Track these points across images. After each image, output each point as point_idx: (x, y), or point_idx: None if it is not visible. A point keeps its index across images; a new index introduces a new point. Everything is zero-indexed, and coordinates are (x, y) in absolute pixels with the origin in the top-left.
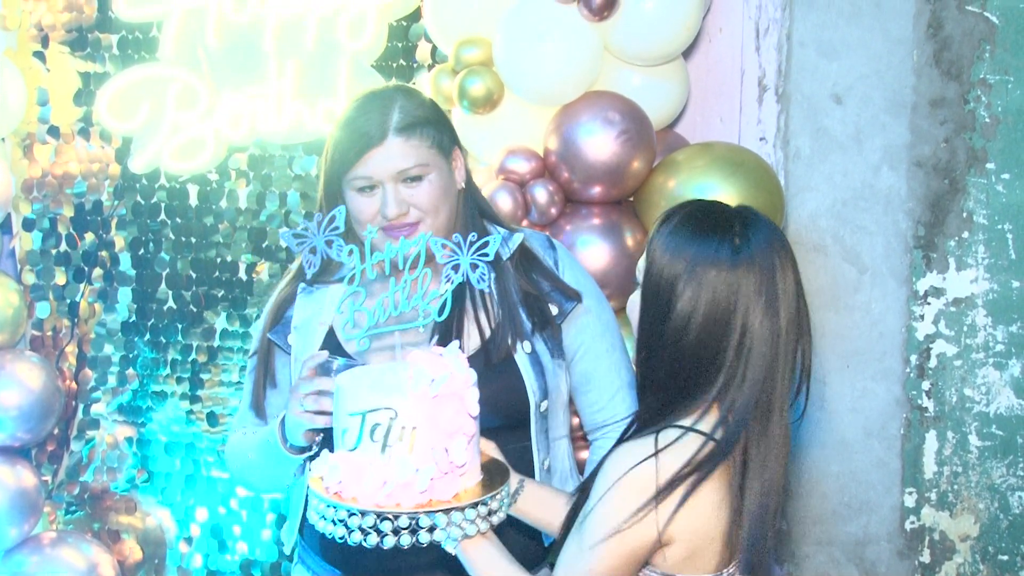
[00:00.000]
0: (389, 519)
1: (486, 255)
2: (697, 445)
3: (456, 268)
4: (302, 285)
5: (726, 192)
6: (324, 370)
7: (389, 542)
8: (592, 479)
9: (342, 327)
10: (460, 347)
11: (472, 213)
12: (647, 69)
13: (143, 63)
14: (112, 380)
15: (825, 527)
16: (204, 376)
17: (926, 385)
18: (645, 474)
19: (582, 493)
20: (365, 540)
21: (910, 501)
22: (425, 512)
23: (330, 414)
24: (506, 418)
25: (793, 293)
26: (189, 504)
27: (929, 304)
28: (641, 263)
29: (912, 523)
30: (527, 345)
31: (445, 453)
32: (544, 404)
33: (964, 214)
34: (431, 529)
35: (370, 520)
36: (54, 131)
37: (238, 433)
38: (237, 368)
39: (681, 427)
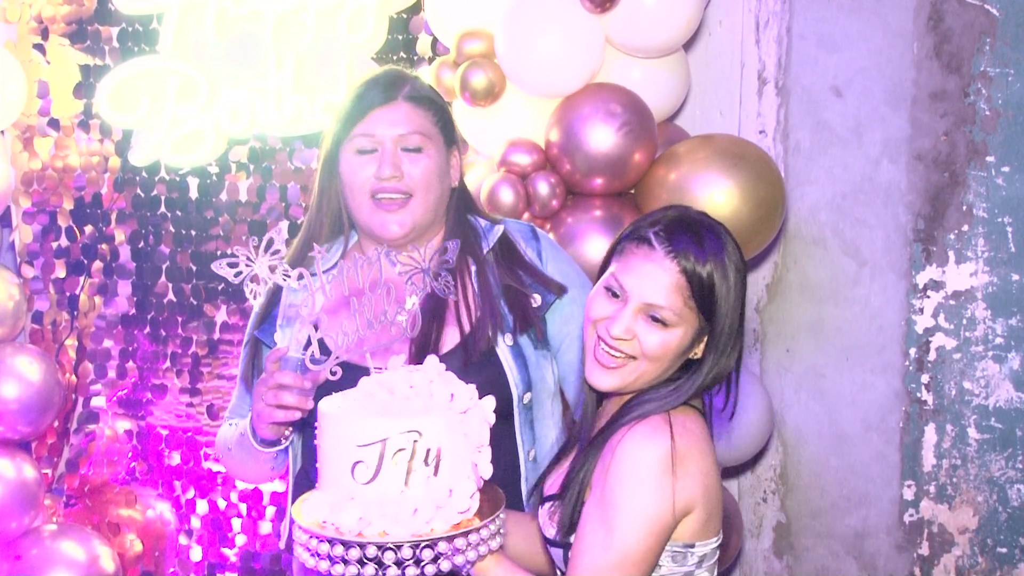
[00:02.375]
0: (429, 547)
1: (447, 262)
2: (698, 420)
3: (417, 279)
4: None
5: (727, 185)
6: (286, 365)
7: (430, 571)
8: (578, 471)
9: (308, 359)
10: (440, 342)
11: (461, 212)
12: (648, 61)
13: (143, 56)
14: (112, 373)
15: (824, 520)
16: (204, 369)
17: (925, 378)
18: (664, 453)
19: (570, 487)
20: (404, 573)
21: (909, 494)
22: (461, 533)
23: (290, 408)
24: None
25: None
26: (189, 497)
27: (928, 297)
28: (678, 304)
29: (911, 516)
30: (508, 338)
31: (475, 468)
32: (528, 396)
33: (964, 207)
34: (461, 552)
35: (407, 552)
36: (54, 124)
37: (225, 425)
38: (237, 361)
39: (685, 404)
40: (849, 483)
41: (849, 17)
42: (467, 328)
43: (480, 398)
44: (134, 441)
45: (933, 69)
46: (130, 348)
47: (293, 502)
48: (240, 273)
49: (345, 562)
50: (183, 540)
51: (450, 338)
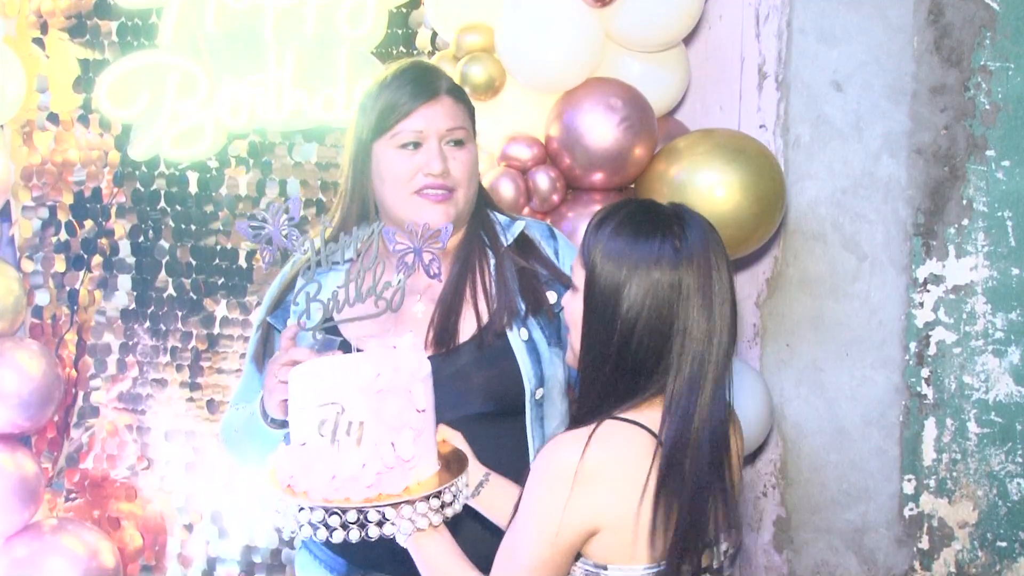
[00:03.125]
0: (337, 513)
1: (438, 244)
2: (633, 438)
3: (408, 258)
4: (304, 270)
5: (728, 179)
6: (301, 343)
7: (338, 536)
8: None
9: (296, 319)
10: (457, 332)
11: (481, 206)
12: (647, 56)
13: (143, 50)
14: (112, 368)
15: (824, 515)
16: (204, 364)
17: (925, 373)
18: (568, 463)
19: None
20: (315, 534)
21: (909, 488)
22: (373, 506)
23: None
24: (501, 404)
25: (728, 290)
26: (189, 491)
27: (928, 292)
28: (577, 266)
29: (911, 510)
30: (523, 332)
31: (392, 447)
32: (540, 392)
33: (964, 201)
34: (380, 523)
35: (319, 515)
36: (53, 118)
37: (231, 410)
38: (237, 355)
39: (623, 419)
40: (849, 477)
41: (849, 11)
42: (484, 319)
43: (493, 391)
44: (134, 435)
45: (933, 63)
46: (130, 343)
47: None
48: (260, 234)
49: (277, 512)
50: (183, 534)
51: (467, 328)
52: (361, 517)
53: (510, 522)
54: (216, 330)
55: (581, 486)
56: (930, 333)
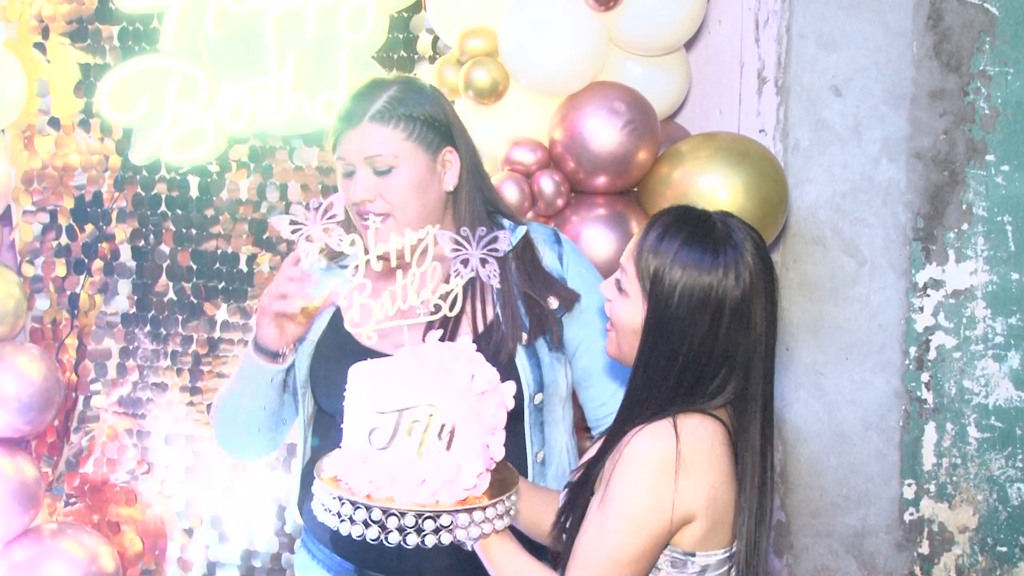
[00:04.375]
0: (431, 518)
1: (496, 250)
2: (711, 427)
3: (465, 263)
4: (316, 266)
5: (731, 182)
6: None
7: (430, 541)
8: (595, 464)
9: (347, 320)
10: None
11: (478, 210)
12: (649, 60)
13: (143, 54)
14: (112, 372)
15: (824, 519)
16: (204, 368)
17: (925, 377)
18: (666, 454)
19: (586, 478)
20: (404, 541)
21: (909, 493)
22: (466, 509)
23: (289, 298)
24: None
25: (775, 293)
26: (189, 495)
27: (928, 296)
28: (630, 267)
29: (911, 515)
30: (524, 338)
31: (486, 449)
32: (539, 397)
33: (963, 206)
34: (465, 527)
35: (410, 520)
36: (54, 123)
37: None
38: (237, 360)
39: (696, 410)
40: (849, 482)
41: (848, 16)
42: (480, 328)
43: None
44: (134, 440)
45: (932, 68)
46: (130, 347)
47: (300, 496)
48: (297, 230)
49: (352, 521)
50: (183, 538)
51: (464, 335)
52: (453, 521)
53: (565, 522)
54: (217, 334)
55: (684, 475)
56: (930, 337)
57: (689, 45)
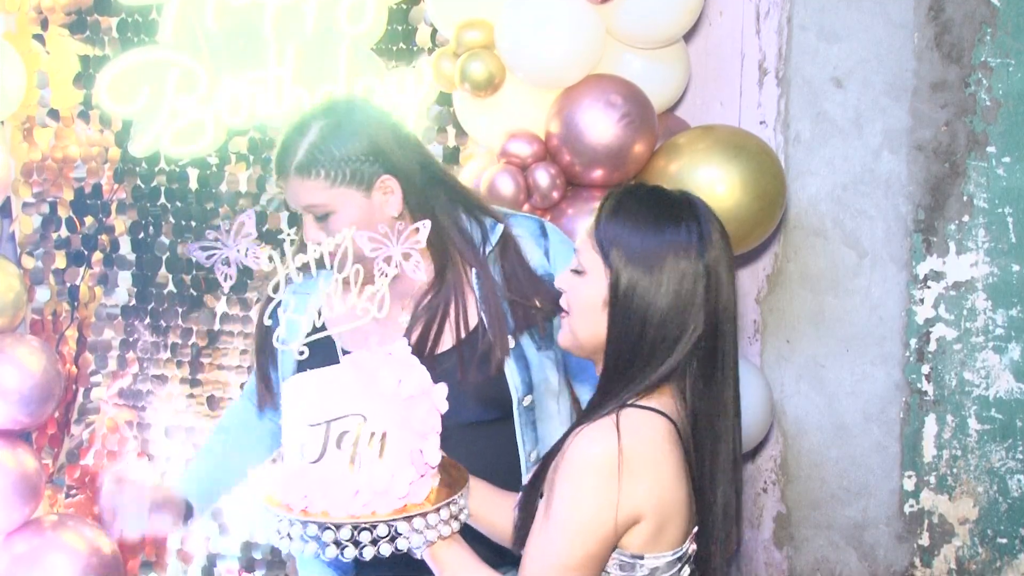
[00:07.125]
0: (368, 529)
1: (419, 242)
2: (655, 423)
3: (388, 260)
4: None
5: (728, 176)
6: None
7: (368, 553)
8: (548, 462)
9: (275, 337)
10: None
11: (455, 216)
12: (648, 52)
13: (143, 46)
14: (112, 364)
15: (824, 511)
16: (204, 360)
17: (926, 369)
18: (607, 456)
19: (536, 479)
20: (342, 554)
21: (909, 485)
22: (403, 518)
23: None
24: (488, 413)
25: (732, 279)
26: None
27: (929, 288)
28: (586, 249)
29: (911, 506)
30: (510, 340)
31: (420, 455)
32: (528, 398)
33: (964, 198)
34: (408, 535)
35: (346, 532)
36: (54, 114)
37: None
38: (237, 352)
39: (640, 407)
40: (849, 474)
41: (849, 8)
42: (463, 333)
43: (480, 400)
44: (134, 432)
45: (933, 59)
46: (130, 339)
47: None
48: (212, 256)
49: (290, 537)
50: (183, 530)
51: (447, 340)
52: (392, 531)
53: (521, 524)
54: (216, 326)
55: (627, 475)
56: (930, 329)
57: (689, 37)
